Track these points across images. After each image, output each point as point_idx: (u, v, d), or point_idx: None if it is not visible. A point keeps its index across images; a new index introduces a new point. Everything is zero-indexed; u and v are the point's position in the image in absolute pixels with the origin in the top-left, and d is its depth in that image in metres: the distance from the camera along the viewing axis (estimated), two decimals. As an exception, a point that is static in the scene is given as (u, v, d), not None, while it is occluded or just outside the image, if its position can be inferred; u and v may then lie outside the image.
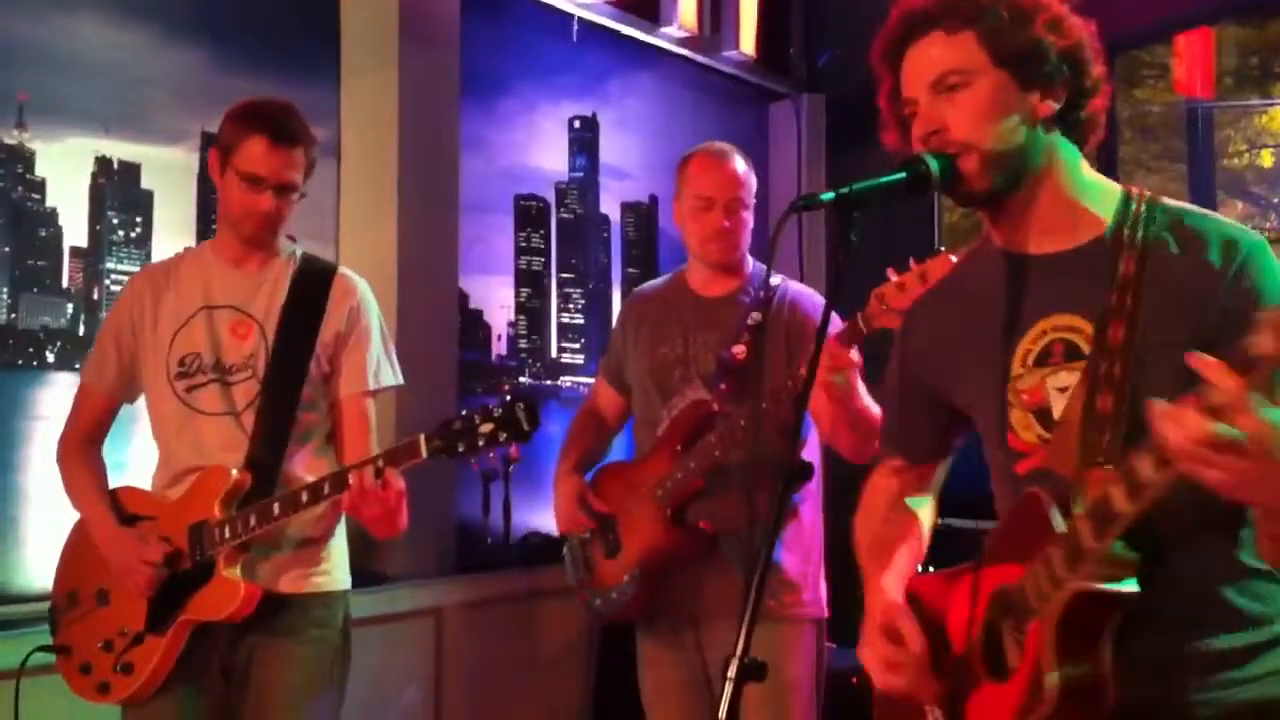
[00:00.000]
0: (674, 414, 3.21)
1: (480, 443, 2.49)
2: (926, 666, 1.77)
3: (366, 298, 2.92)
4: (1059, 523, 1.59)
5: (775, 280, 3.25)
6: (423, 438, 2.54)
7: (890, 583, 1.90)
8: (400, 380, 2.94)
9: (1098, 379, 1.65)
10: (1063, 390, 1.71)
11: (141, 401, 2.92)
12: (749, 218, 3.23)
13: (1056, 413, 1.72)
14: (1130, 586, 1.54)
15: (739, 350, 3.14)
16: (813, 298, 3.22)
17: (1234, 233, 1.68)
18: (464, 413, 2.53)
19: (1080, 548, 1.52)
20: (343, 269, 2.94)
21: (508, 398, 2.51)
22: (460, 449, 2.50)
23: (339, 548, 2.90)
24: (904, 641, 1.78)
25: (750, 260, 3.30)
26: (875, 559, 1.97)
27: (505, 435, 2.48)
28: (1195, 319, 1.62)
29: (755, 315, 3.16)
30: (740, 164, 3.23)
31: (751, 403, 3.00)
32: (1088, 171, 1.80)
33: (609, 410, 3.50)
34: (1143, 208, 1.73)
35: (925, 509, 2.07)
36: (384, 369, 2.90)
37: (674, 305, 3.31)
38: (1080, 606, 1.54)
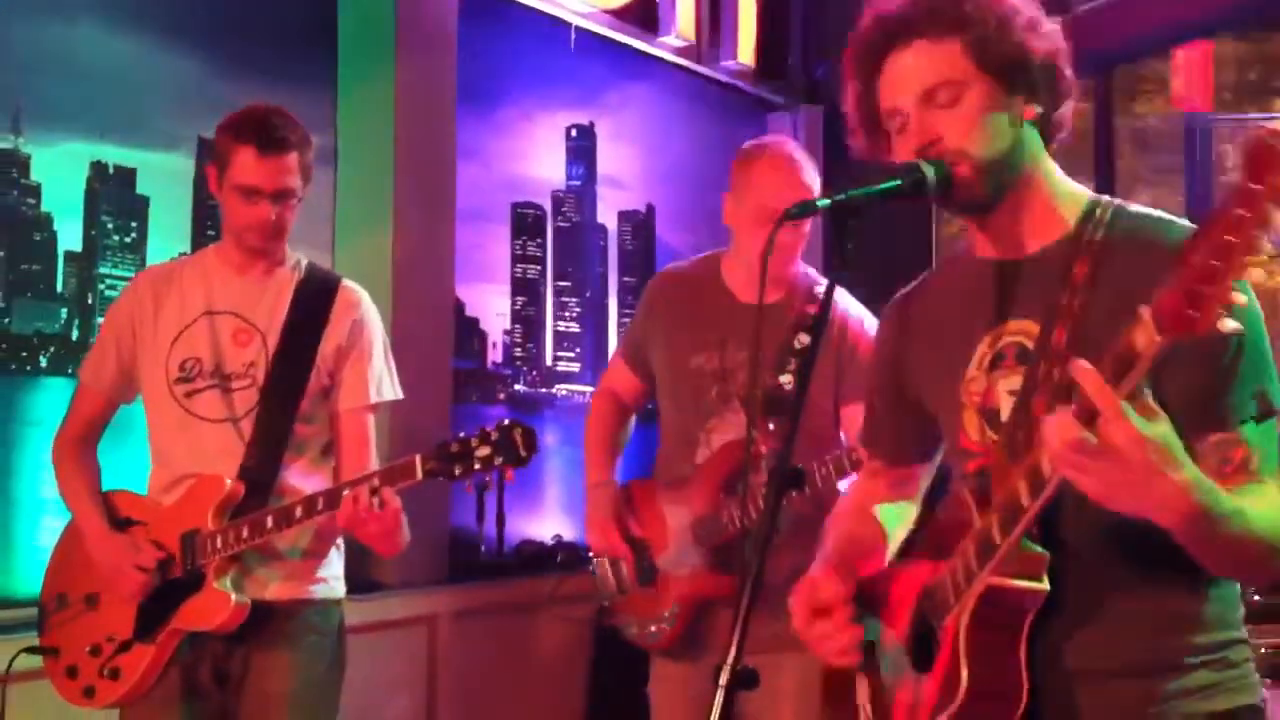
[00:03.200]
0: (716, 449, 3.01)
1: (476, 466, 2.49)
2: (844, 620, 1.77)
3: (369, 311, 2.90)
4: (977, 519, 1.60)
5: (821, 291, 2.96)
6: (419, 459, 2.53)
7: (817, 569, 1.89)
8: (399, 394, 2.93)
9: (1035, 381, 1.66)
10: (1013, 394, 1.72)
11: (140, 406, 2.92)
12: (808, 227, 2.98)
13: (1005, 415, 1.73)
14: (1041, 585, 1.55)
15: (787, 381, 2.94)
16: (863, 316, 2.99)
17: (1184, 235, 1.68)
18: (461, 435, 2.52)
19: (990, 543, 1.54)
20: (346, 281, 2.93)
21: (505, 421, 2.50)
22: (456, 472, 2.50)
23: (336, 556, 2.89)
24: (827, 607, 1.78)
25: (798, 264, 3.05)
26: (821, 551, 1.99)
27: (501, 459, 2.48)
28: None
29: (802, 338, 2.95)
30: (809, 172, 2.96)
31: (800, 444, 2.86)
32: (1061, 176, 1.81)
33: (629, 395, 3.28)
34: (1108, 214, 1.73)
35: (896, 516, 2.03)
36: (384, 383, 2.89)
37: (711, 307, 3.06)
38: (992, 603, 1.56)
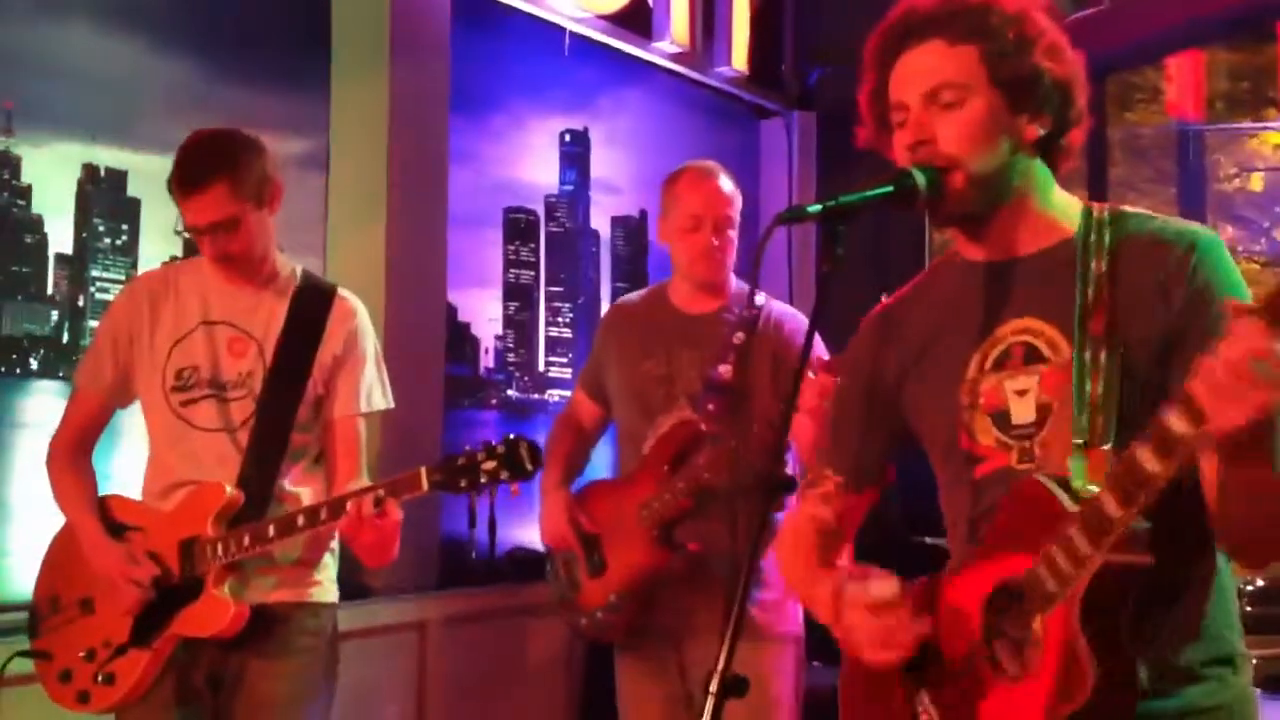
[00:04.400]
0: (660, 433, 3.21)
1: (482, 479, 2.51)
2: (913, 618, 1.72)
3: (364, 321, 2.92)
4: (1069, 502, 1.57)
5: (759, 299, 3.27)
6: (424, 471, 2.55)
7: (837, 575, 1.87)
8: (391, 404, 2.95)
9: (1084, 367, 1.66)
10: (1021, 393, 1.72)
11: (128, 414, 2.91)
12: (735, 236, 3.25)
13: (1015, 417, 1.73)
14: (1146, 557, 1.52)
15: (725, 370, 3.16)
16: (795, 317, 3.26)
17: (1189, 229, 1.71)
18: (467, 448, 2.54)
19: (1105, 518, 1.49)
20: (342, 290, 2.94)
21: (510, 436, 2.52)
22: (462, 485, 2.52)
23: (330, 560, 2.89)
24: (890, 601, 1.72)
25: (734, 279, 3.32)
26: (817, 574, 1.94)
27: (507, 473, 2.50)
28: (1162, 310, 1.65)
29: (739, 335, 3.19)
30: (727, 182, 3.26)
31: (739, 424, 3.02)
32: (1057, 192, 1.82)
33: (588, 421, 3.52)
34: (1105, 217, 1.76)
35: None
36: (375, 392, 2.91)
37: (657, 321, 3.32)
38: (1104, 584, 1.52)
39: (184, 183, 2.69)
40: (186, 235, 2.78)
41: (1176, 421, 1.39)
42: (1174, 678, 1.64)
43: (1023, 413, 1.73)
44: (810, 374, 2.77)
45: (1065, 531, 1.54)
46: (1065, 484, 1.61)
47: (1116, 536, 1.49)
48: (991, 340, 1.77)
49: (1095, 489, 1.56)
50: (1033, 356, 1.72)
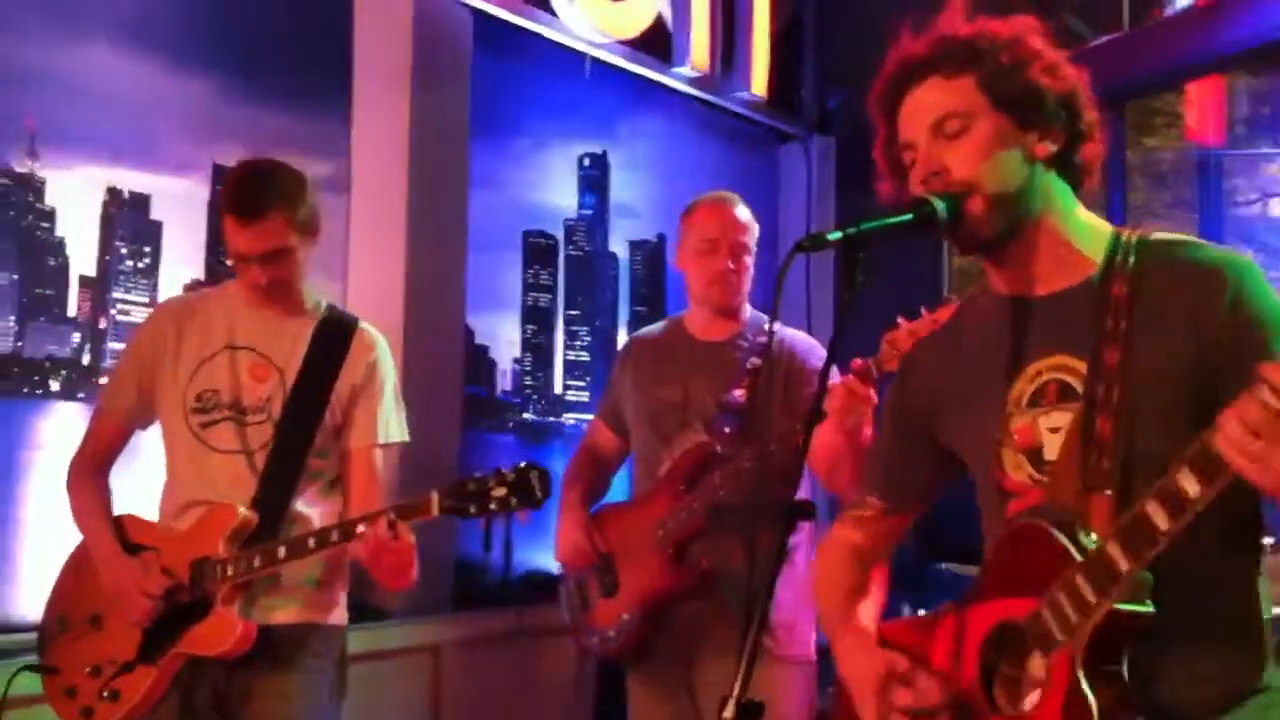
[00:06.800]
0: (676, 455, 3.24)
1: (491, 505, 2.53)
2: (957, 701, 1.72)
3: (384, 354, 2.96)
4: (1074, 549, 1.57)
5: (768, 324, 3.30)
6: (435, 496, 2.57)
7: (867, 640, 1.90)
8: (406, 438, 2.98)
9: (1095, 404, 1.65)
10: (1055, 431, 1.72)
11: (146, 434, 2.94)
12: (750, 264, 3.30)
13: (1049, 453, 1.72)
14: (1147, 608, 1.53)
15: (739, 394, 3.20)
16: (807, 342, 3.31)
17: (1223, 255, 1.69)
18: (478, 474, 2.56)
19: (1113, 571, 1.50)
20: (363, 324, 2.98)
21: (521, 464, 2.54)
22: (471, 510, 2.55)
23: (340, 584, 2.90)
24: (922, 682, 1.74)
25: (749, 307, 3.36)
26: (843, 617, 1.97)
27: (517, 500, 2.52)
28: (1190, 342, 1.64)
29: (754, 360, 3.23)
30: (744, 211, 3.31)
31: (755, 445, 3.02)
32: (1081, 213, 1.81)
33: (607, 450, 3.55)
34: (1133, 241, 1.75)
35: (877, 590, 2.04)
36: (393, 425, 2.94)
37: (672, 349, 3.37)
38: (1108, 632, 1.53)
39: (242, 210, 2.70)
40: (230, 263, 2.79)
41: (1188, 482, 1.39)
42: (1198, 712, 1.63)
43: (1056, 450, 1.72)
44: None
45: (1071, 578, 1.55)
46: (1070, 528, 1.61)
47: (1124, 588, 1.50)
48: (1028, 376, 1.77)
49: (1095, 536, 1.57)
50: (1066, 394, 1.72)
